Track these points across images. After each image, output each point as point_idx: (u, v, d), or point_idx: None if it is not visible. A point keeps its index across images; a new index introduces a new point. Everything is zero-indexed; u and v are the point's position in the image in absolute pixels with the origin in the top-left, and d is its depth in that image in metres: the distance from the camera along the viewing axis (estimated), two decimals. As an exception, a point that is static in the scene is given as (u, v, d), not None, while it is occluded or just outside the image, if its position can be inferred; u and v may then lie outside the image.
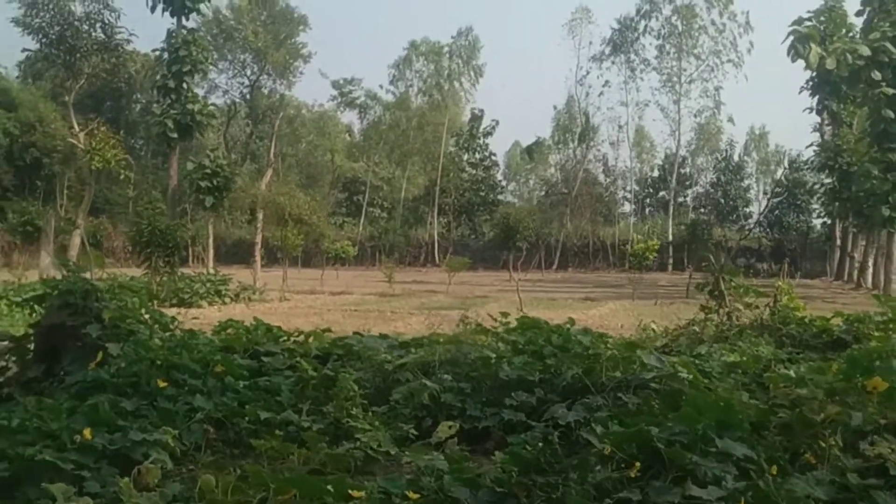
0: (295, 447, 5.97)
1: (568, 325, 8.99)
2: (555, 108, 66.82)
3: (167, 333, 8.30)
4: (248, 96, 70.51)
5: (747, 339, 9.20)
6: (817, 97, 41.12)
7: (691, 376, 6.56)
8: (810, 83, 40.50)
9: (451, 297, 26.92)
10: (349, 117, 76.70)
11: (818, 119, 43.59)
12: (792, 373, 7.25)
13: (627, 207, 72.58)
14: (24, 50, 74.66)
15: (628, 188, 72.48)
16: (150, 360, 7.20)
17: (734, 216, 70.70)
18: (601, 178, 70.03)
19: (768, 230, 63.89)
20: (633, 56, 62.74)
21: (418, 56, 67.19)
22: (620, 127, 65.98)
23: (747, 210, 72.98)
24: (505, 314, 12.36)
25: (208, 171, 27.78)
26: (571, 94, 65.03)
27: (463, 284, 33.20)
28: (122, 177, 28.60)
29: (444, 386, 7.01)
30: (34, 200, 55.76)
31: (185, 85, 31.72)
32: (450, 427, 6.51)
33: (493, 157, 68.75)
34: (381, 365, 7.60)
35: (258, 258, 28.80)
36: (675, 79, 61.93)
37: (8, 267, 38.64)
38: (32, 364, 8.00)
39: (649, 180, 72.88)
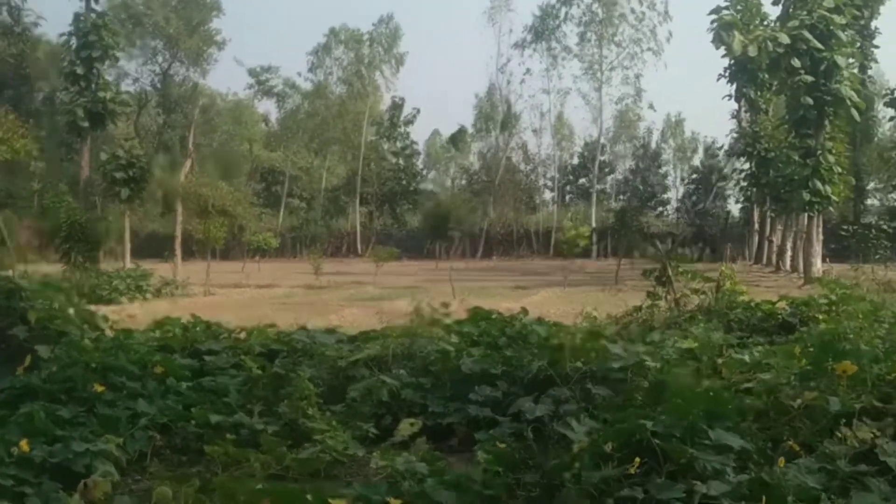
0: (251, 452, 5.62)
1: (521, 316, 8.80)
2: (476, 96, 66.92)
3: (97, 334, 7.75)
4: (159, 84, 68.39)
5: (697, 324, 9.16)
6: (735, 85, 42.02)
7: (658, 365, 6.43)
8: (728, 71, 41.36)
9: (380, 287, 26.58)
10: (266, 106, 75.29)
11: (735, 106, 44.60)
12: (746, 358, 7.22)
13: (548, 195, 73.18)
14: None
15: (549, 175, 73.02)
16: (85, 362, 6.70)
17: (652, 202, 72.03)
18: (521, 166, 70.36)
19: (686, 216, 65.33)
20: (554, 44, 63.14)
21: (338, 43, 66.22)
22: (542, 114, 66.42)
23: (665, 196, 74.49)
24: (445, 304, 12.14)
25: (123, 161, 26.67)
26: (493, 83, 65.23)
27: (388, 275, 32.82)
28: (31, 167, 27.10)
29: (403, 382, 6.72)
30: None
31: (95, 71, 30.36)
32: (412, 424, 6.23)
33: (415, 146, 68.53)
34: (333, 361, 7.25)
35: (178, 251, 27.84)
36: (596, 66, 62.56)
37: None
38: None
39: (569, 168, 73.60)
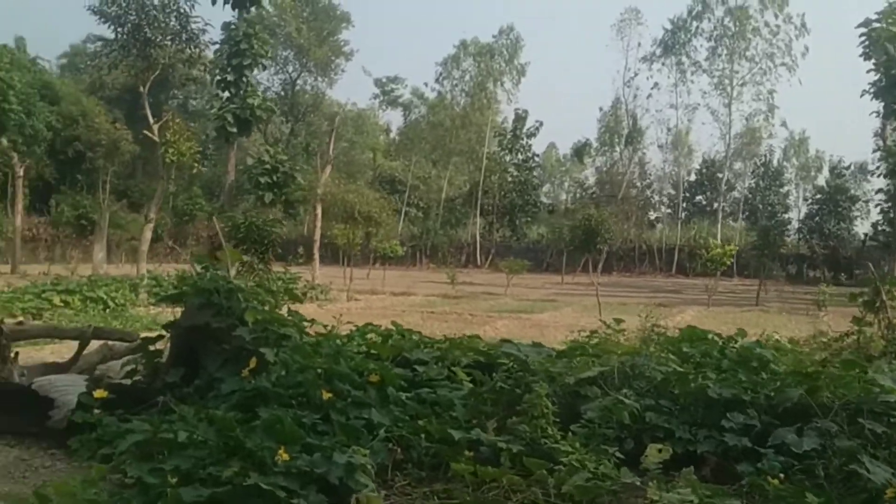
0: (503, 472, 5.31)
1: (738, 337, 8.25)
2: (600, 109, 65.98)
3: (315, 338, 7.63)
4: (287, 94, 70.11)
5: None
6: (884, 101, 39.88)
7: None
8: (875, 87, 39.29)
9: (516, 299, 26.21)
10: (390, 116, 76.27)
11: (879, 124, 42.41)
12: None
13: (662, 212, 71.51)
14: (99, 39, 75.04)
15: (664, 192, 71.32)
16: (313, 368, 6.54)
17: (772, 222, 69.45)
18: (637, 182, 69.01)
19: (809, 237, 62.49)
20: (684, 58, 61.67)
21: (466, 55, 66.46)
22: (669, 130, 64.94)
23: (786, 216, 71.59)
24: (618, 320, 11.65)
25: (268, 166, 27.22)
26: (619, 96, 64.17)
27: (517, 287, 32.41)
28: (194, 170, 28.00)
29: (644, 404, 6.30)
30: (78, 194, 55.76)
31: (244, 79, 31.25)
32: (660, 451, 5.80)
33: (537, 159, 67.88)
34: (559, 377, 6.88)
35: (317, 256, 28.18)
36: (726, 81, 60.71)
37: (50, 261, 38.52)
38: (169, 368, 7.38)
39: (686, 185, 71.75)
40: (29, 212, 46.61)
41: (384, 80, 69.75)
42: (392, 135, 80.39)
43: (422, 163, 71.43)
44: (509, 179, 63.29)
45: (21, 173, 34.76)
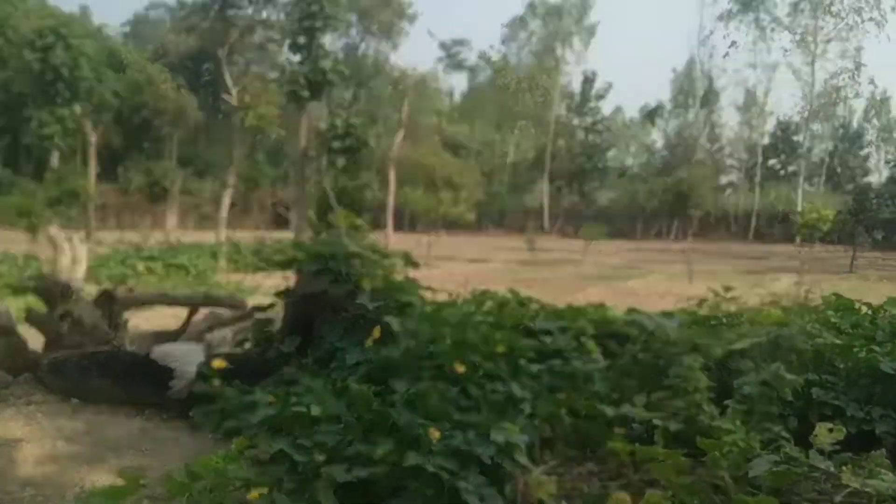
0: (669, 452, 4.85)
1: (886, 307, 7.62)
2: (673, 70, 64.11)
3: (436, 306, 7.24)
4: (350, 58, 69.62)
5: None
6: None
7: None
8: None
9: (597, 266, 25.59)
10: (453, 80, 75.43)
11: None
12: None
13: (734, 176, 69.42)
14: (162, 5, 75.60)
15: (735, 155, 69.13)
16: (443, 338, 6.16)
17: (850, 186, 67.17)
18: (708, 145, 67.06)
19: (890, 202, 60.07)
20: (763, 14, 59.27)
21: (534, 17, 65.16)
22: (748, 90, 62.78)
23: (865, 181, 69.00)
24: (727, 288, 11.07)
25: (340, 131, 26.92)
26: (693, 56, 62.16)
27: (590, 253, 31.59)
28: (273, 136, 27.75)
29: (807, 379, 5.77)
30: (144, 161, 56.55)
31: (316, 41, 30.89)
32: (831, 431, 5.28)
33: (605, 122, 66.41)
34: (704, 349, 6.37)
35: (390, 222, 27.87)
36: (809, 38, 58.25)
37: (121, 228, 38.92)
38: (284, 337, 7.08)
39: (760, 147, 69.57)
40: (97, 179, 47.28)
41: (449, 42, 68.89)
42: (455, 99, 79.62)
43: (485, 127, 70.57)
44: (577, 143, 62.08)
45: (94, 140, 35.04)
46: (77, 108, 40.32)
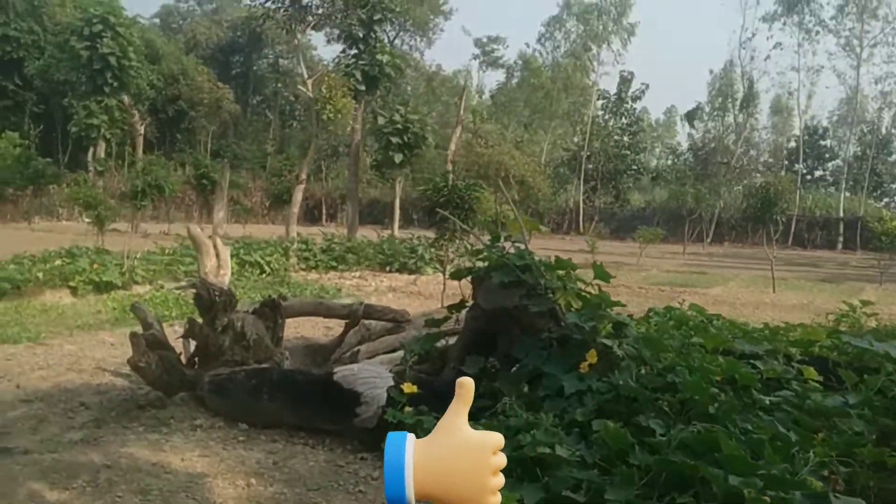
0: None
1: None
2: (710, 72, 62.86)
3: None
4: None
5: None
6: None
7: None
8: None
9: (661, 270, 24.72)
10: (484, 79, 74.50)
11: None
12: None
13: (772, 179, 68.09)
14: None
15: (762, 160, 67.85)
16: (683, 366, 5.36)
17: (878, 192, 66.09)
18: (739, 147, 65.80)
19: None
20: (808, 17, 58.04)
21: (570, 15, 64.09)
22: (790, 94, 61.62)
23: (894, 186, 68.02)
24: (866, 302, 10.31)
25: (399, 126, 26.12)
26: (732, 57, 61.01)
27: (633, 255, 30.60)
28: (349, 129, 26.80)
29: None
30: (178, 153, 56.02)
31: (374, 34, 30.12)
32: None
33: (641, 123, 65.30)
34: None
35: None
36: (855, 42, 57.11)
37: (167, 220, 38.32)
38: (463, 356, 6.30)
39: (785, 151, 68.38)
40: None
41: (485, 39, 67.86)
42: (484, 97, 78.63)
43: (513, 126, 69.58)
44: (612, 144, 61.00)
45: (142, 131, 34.45)
46: (125, 98, 39.65)
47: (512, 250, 6.49)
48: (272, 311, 6.37)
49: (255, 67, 78.12)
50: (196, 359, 6.47)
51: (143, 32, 56.03)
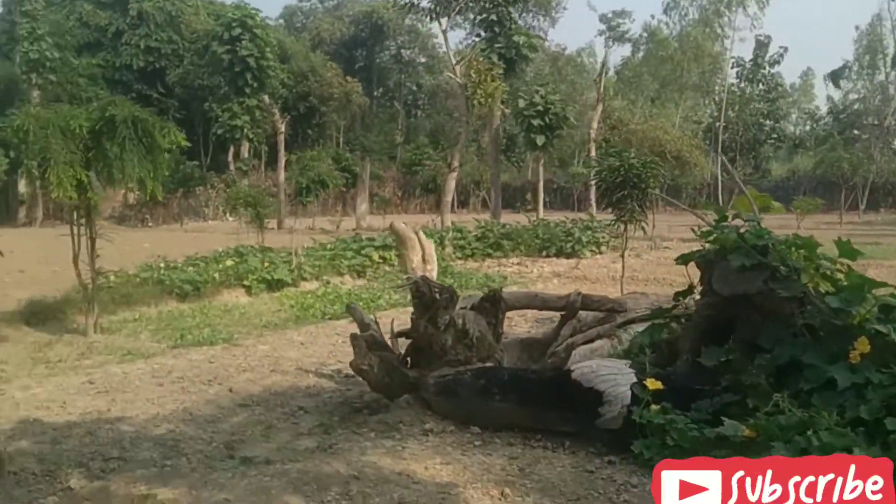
0: None
1: None
2: (856, 28, 59.12)
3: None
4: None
5: None
6: None
7: None
8: None
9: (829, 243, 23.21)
10: (614, 54, 72.62)
11: None
12: None
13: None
14: None
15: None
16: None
17: None
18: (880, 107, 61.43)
19: None
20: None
21: (697, -19, 61.59)
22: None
23: None
24: None
25: (539, 108, 25.61)
26: (881, 10, 57.19)
27: (784, 228, 28.88)
28: (501, 114, 26.61)
29: None
30: (309, 149, 57.14)
31: (509, 15, 29.75)
32: None
33: (780, 88, 62.18)
34: None
35: (594, 202, 26.34)
36: None
37: (311, 216, 39.06)
38: (697, 348, 5.80)
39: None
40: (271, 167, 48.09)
41: (610, 14, 66.06)
42: (609, 74, 76.76)
43: (642, 101, 67.46)
44: (749, 113, 58.30)
45: (283, 129, 35.22)
46: (265, 98, 40.75)
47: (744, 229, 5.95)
48: (493, 307, 6.07)
49: (377, 60, 78.86)
50: (409, 359, 6.23)
51: (273, 33, 57.48)
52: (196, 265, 13.76)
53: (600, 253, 19.28)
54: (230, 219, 45.16)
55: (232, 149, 44.18)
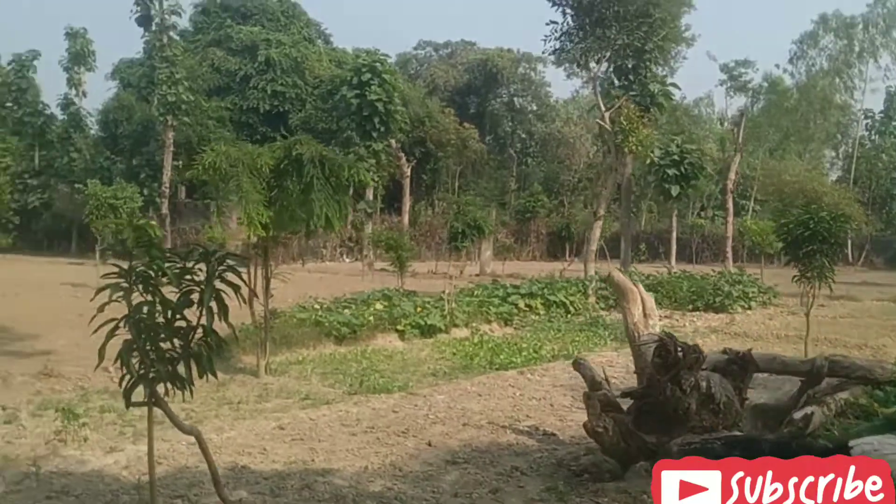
0: None
1: None
2: None
3: None
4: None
5: None
6: None
7: None
8: None
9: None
10: (733, 103, 70.67)
11: None
12: None
13: None
14: (429, 44, 78.77)
15: None
16: None
17: None
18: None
19: None
20: None
21: (826, 31, 59.43)
22: None
23: None
24: None
25: (675, 157, 24.90)
26: None
27: None
28: (648, 161, 26.09)
29: None
30: (426, 195, 57.63)
31: (645, 63, 29.31)
32: None
33: (914, 141, 59.05)
34: None
35: (730, 255, 25.32)
36: None
37: (435, 259, 39.00)
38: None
39: None
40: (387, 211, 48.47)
41: (732, 64, 64.36)
42: (726, 124, 74.79)
43: (757, 152, 65.07)
44: (881, 166, 55.53)
45: (408, 173, 35.35)
46: (392, 142, 41.22)
47: None
48: (741, 369, 5.53)
49: (489, 107, 79.18)
50: (638, 421, 5.71)
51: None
52: (349, 307, 13.60)
53: (749, 308, 18.30)
54: (346, 260, 45.83)
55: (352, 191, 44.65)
